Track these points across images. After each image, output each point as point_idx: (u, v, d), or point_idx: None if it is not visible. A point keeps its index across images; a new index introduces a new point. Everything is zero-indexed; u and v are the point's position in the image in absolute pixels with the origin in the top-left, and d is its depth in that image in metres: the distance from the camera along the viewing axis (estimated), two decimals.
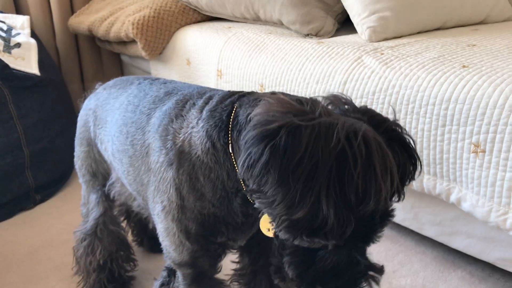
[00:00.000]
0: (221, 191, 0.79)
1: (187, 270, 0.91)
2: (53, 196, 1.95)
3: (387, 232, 1.20)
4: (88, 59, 2.62)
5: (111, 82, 1.16)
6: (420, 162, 0.72)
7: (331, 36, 1.80)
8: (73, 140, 1.24)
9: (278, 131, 0.58)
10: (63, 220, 1.76)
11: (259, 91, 1.06)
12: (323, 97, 0.74)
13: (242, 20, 2.05)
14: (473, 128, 1.16)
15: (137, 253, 1.49)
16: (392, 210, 0.67)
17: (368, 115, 0.69)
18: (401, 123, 1.30)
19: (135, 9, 2.19)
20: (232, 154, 0.75)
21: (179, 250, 0.87)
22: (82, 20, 2.40)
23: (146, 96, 0.99)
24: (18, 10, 2.44)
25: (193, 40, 2.02)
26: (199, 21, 2.18)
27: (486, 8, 1.83)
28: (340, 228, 0.58)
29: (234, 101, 0.79)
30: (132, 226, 1.55)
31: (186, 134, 0.82)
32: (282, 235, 0.63)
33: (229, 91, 0.84)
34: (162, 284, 0.99)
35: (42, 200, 1.91)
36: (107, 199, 1.23)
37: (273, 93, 0.75)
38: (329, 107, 0.72)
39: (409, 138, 0.71)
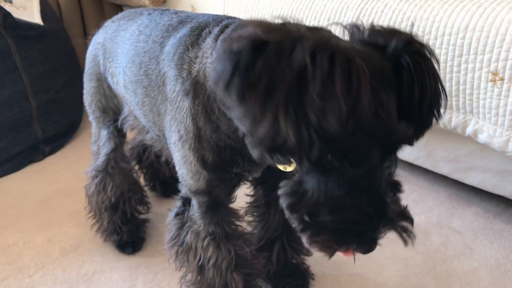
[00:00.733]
0: (235, 124, 0.78)
1: (203, 198, 0.91)
2: (62, 148, 1.95)
3: (399, 172, 1.19)
4: (90, 13, 2.57)
5: (119, 15, 1.13)
6: (445, 93, 0.68)
7: None
8: (80, 92, 1.21)
9: (242, 48, 0.56)
10: (74, 170, 1.76)
11: None
12: (342, 25, 0.70)
13: None
14: (491, 56, 1.13)
15: (150, 198, 1.48)
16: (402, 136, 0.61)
17: (387, 37, 0.65)
18: None
19: None
20: None
21: (196, 178, 0.87)
22: None
23: (158, 25, 0.96)
24: None
25: None
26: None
27: None
28: (303, 147, 0.55)
29: None
30: (144, 172, 1.54)
31: (201, 65, 0.80)
32: (252, 153, 0.63)
33: (246, 20, 0.81)
34: (177, 214, 0.98)
35: (52, 152, 1.91)
36: (118, 134, 1.21)
37: None
38: (346, 37, 0.69)
39: (433, 65, 0.66)
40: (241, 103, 0.56)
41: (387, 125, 0.57)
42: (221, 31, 0.81)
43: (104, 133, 1.21)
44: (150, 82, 0.91)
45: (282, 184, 0.67)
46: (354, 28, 0.70)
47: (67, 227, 1.45)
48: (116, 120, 1.18)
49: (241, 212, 1.07)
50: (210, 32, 0.83)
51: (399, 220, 0.66)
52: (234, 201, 0.97)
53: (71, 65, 2.05)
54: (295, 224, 0.66)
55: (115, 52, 1.04)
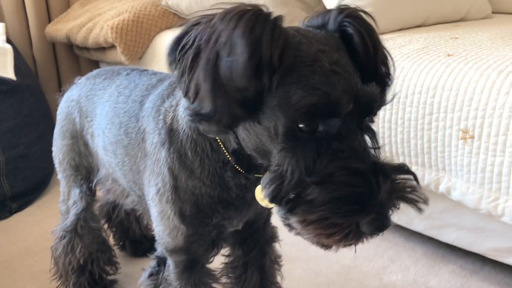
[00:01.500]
0: (209, 166, 0.77)
1: (180, 257, 0.88)
2: (31, 205, 1.88)
3: None
4: (66, 68, 2.57)
5: (94, 72, 1.12)
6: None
7: None
8: (51, 148, 1.19)
9: (185, 34, 0.64)
10: (41, 228, 1.70)
11: None
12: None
13: None
14: (461, 114, 1.15)
15: (119, 258, 1.43)
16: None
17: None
18: (387, 113, 1.29)
19: (114, 14, 2.16)
20: None
21: (174, 234, 0.84)
22: (60, 28, 2.35)
23: (137, 86, 0.97)
24: None
25: None
26: (179, 25, 2.16)
27: (466, 5, 1.84)
28: (220, 113, 0.58)
29: None
30: (113, 230, 1.49)
31: (175, 112, 0.81)
32: (209, 131, 0.64)
33: None
34: (151, 274, 0.94)
35: (19, 209, 1.84)
36: (90, 193, 1.18)
37: None
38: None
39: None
40: (180, 79, 0.62)
41: (349, 82, 0.60)
42: None
43: (76, 191, 1.17)
44: (130, 140, 0.91)
45: (261, 179, 0.64)
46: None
47: None
48: (88, 178, 1.15)
49: (218, 273, 1.03)
50: None
51: (397, 174, 0.62)
52: (212, 262, 0.94)
53: (44, 120, 2.02)
54: (283, 211, 0.61)
55: (93, 113, 1.03)
